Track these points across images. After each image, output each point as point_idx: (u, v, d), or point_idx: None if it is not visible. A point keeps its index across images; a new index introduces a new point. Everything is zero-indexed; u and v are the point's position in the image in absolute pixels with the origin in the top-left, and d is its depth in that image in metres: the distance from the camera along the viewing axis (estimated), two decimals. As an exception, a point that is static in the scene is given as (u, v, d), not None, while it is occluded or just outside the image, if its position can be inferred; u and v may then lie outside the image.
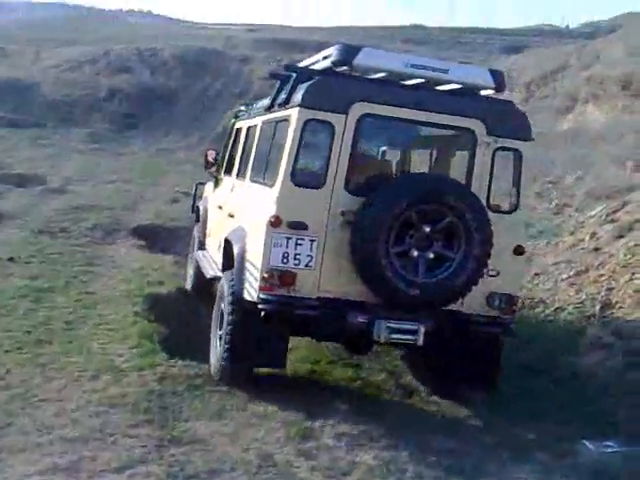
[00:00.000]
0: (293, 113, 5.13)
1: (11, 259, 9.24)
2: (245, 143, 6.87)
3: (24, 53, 31.05)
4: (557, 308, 8.55)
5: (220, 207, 7.13)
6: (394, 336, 5.11)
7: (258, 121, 6.18)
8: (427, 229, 5.01)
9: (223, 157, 7.90)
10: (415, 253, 5.01)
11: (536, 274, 9.59)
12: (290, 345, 5.83)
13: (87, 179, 16.51)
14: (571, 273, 9.02)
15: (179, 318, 7.76)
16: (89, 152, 20.80)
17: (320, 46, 26.11)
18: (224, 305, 5.64)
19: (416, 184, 5.22)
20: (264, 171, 5.69)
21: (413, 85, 5.42)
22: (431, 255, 5.04)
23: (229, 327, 5.44)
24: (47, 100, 25.36)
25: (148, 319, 7.32)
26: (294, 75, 5.29)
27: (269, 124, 5.80)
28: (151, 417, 5.12)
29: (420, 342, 5.11)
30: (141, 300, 7.90)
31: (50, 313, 7.27)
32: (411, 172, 5.98)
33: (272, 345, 5.38)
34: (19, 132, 22.31)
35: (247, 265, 5.43)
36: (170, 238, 11.53)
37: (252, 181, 6.11)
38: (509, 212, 5.45)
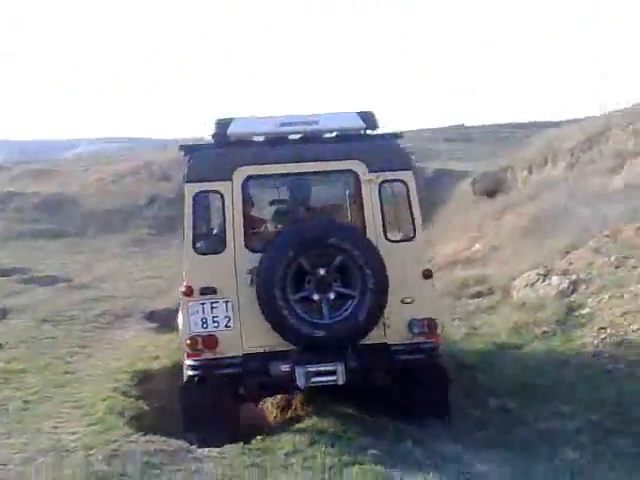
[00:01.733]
0: (185, 188, 5.42)
1: (-4, 345, 8.25)
2: None
3: (73, 172, 31.80)
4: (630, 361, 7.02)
5: None
6: (315, 379, 5.15)
7: (188, 195, 5.59)
8: (322, 272, 5.18)
9: None
10: (316, 296, 5.19)
11: (601, 328, 8.11)
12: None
13: (116, 277, 15.73)
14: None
15: (166, 393, 6.51)
16: (125, 255, 20.25)
17: None
18: None
19: (300, 232, 5.35)
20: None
21: (295, 141, 5.65)
22: (332, 296, 5.21)
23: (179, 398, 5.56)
24: (88, 211, 25.35)
25: (126, 395, 6.12)
26: (188, 151, 5.60)
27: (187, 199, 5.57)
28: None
29: (340, 381, 5.13)
30: (127, 377, 6.74)
31: (12, 393, 6.21)
32: (296, 222, 5.68)
33: (217, 411, 5.30)
34: (58, 242, 22.16)
35: (181, 331, 5.64)
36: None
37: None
38: (407, 240, 5.55)
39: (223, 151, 5.54)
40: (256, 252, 5.30)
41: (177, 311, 10.70)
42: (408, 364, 5.33)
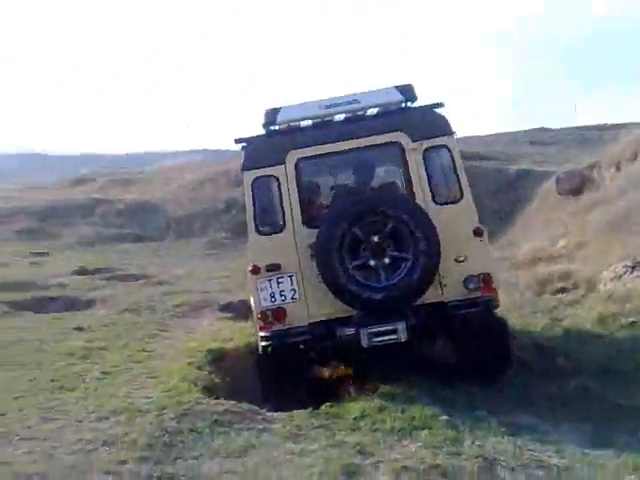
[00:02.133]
0: (244, 177, 5.93)
1: (79, 328, 8.60)
2: None
3: (155, 181, 32.78)
4: None
5: None
6: (377, 339, 5.42)
7: (247, 180, 6.04)
8: (376, 239, 5.44)
9: None
10: (372, 262, 5.47)
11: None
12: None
13: (193, 276, 16.03)
14: None
15: (238, 370, 6.54)
16: (203, 257, 20.66)
17: None
18: None
19: (351, 204, 5.61)
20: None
21: (340, 121, 6.02)
22: (387, 260, 5.47)
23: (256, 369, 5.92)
24: (170, 217, 26.01)
25: (200, 369, 6.16)
26: (244, 143, 6.02)
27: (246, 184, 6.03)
28: (148, 454, 3.87)
29: (402, 338, 5.38)
30: (201, 355, 6.79)
31: (91, 366, 6.38)
32: (343, 198, 5.98)
33: (291, 378, 5.75)
34: (141, 245, 22.81)
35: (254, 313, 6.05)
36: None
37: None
38: (455, 202, 5.76)
39: (274, 138, 5.97)
40: (314, 228, 5.63)
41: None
42: (467, 318, 5.51)
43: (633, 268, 9.94)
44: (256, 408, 4.82)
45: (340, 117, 6.04)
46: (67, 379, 5.86)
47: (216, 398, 5.06)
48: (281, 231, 5.76)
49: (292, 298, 5.66)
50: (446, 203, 5.79)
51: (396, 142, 5.82)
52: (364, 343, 5.41)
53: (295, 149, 5.82)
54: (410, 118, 5.90)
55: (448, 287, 5.60)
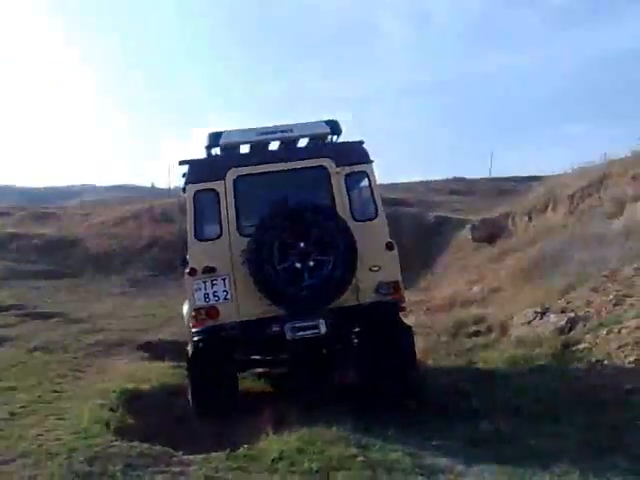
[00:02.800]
0: (187, 189, 6.54)
1: (-14, 368, 8.14)
2: None
3: (75, 216, 31.94)
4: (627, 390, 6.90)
5: None
6: (300, 333, 6.09)
7: (189, 194, 6.67)
8: (302, 245, 6.10)
9: None
10: (298, 265, 6.10)
11: (597, 361, 8.03)
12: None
13: (112, 314, 15.61)
14: (640, 354, 7.44)
15: (154, 411, 6.40)
16: (122, 295, 20.16)
17: None
18: None
19: (281, 213, 6.19)
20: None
21: (276, 147, 6.88)
22: (311, 263, 6.10)
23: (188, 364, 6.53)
24: (89, 253, 25.30)
25: (112, 409, 5.97)
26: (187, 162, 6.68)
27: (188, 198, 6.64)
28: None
29: (322, 331, 6.09)
30: (115, 395, 6.60)
31: (-2, 407, 6.03)
32: (274, 208, 6.44)
33: (220, 369, 6.22)
34: (57, 282, 22.00)
35: (185, 311, 6.99)
36: (177, 351, 10.26)
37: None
38: (371, 219, 6.56)
39: (216, 157, 6.79)
40: (247, 236, 6.27)
41: (172, 341, 10.81)
42: (378, 317, 6.31)
43: (542, 314, 10.35)
44: (171, 451, 4.71)
45: (275, 143, 6.91)
46: (-28, 420, 5.57)
47: (130, 440, 4.93)
48: (218, 238, 6.40)
49: (225, 298, 6.25)
50: (363, 220, 6.52)
51: (323, 166, 6.54)
52: (288, 336, 6.06)
53: (234, 167, 6.50)
54: (335, 147, 6.76)
55: (362, 292, 6.33)
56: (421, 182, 41.82)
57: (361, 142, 6.79)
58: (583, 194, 17.24)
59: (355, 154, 6.64)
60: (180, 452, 4.73)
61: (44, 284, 21.72)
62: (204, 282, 6.26)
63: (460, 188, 37.36)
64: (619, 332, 8.88)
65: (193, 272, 6.30)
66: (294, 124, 6.78)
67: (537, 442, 5.16)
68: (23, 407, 6.13)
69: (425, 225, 23.67)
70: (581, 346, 8.80)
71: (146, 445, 4.77)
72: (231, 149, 6.80)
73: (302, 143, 6.95)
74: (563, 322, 9.76)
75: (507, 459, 4.80)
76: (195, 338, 6.27)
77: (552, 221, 16.79)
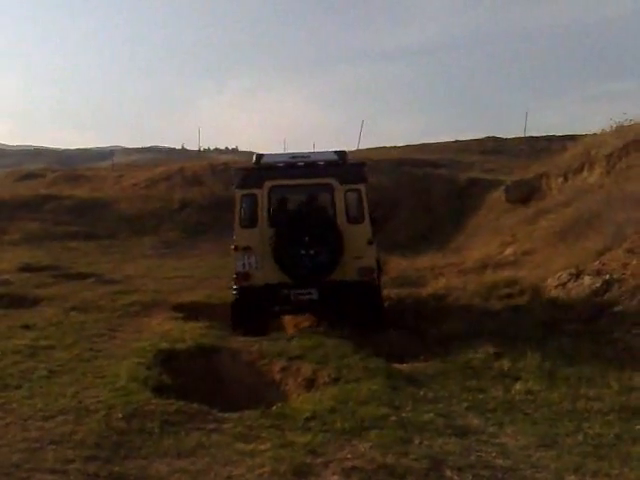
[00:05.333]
0: (236, 192, 9.22)
1: (25, 326, 8.39)
2: None
3: (107, 178, 32.20)
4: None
5: None
6: (300, 297, 8.85)
7: (237, 195, 9.33)
8: (307, 238, 8.64)
9: None
10: (303, 252, 8.65)
11: (634, 324, 7.90)
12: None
13: (146, 275, 15.79)
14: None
15: (189, 369, 6.49)
16: (156, 256, 20.32)
17: (394, 163, 24.68)
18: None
19: (294, 219, 8.93)
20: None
21: (299, 166, 9.20)
22: (312, 252, 8.65)
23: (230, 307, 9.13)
24: (122, 214, 25.56)
25: (149, 368, 6.07)
26: (237, 171, 9.63)
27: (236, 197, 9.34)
28: (96, 453, 3.81)
29: (314, 297, 8.83)
30: (151, 355, 6.70)
31: (37, 365, 6.21)
32: (291, 212, 9.37)
33: (250, 312, 8.93)
34: (90, 243, 22.28)
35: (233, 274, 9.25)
36: (211, 312, 10.39)
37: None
38: (359, 223, 8.96)
39: (260, 171, 9.19)
40: (273, 227, 8.83)
41: (206, 302, 11.06)
42: (357, 288, 8.78)
43: (577, 276, 10.21)
44: (207, 408, 4.79)
45: (300, 164, 9.23)
46: (13, 377, 5.71)
47: (166, 398, 5.01)
48: (254, 227, 8.97)
49: (255, 268, 8.88)
50: (354, 223, 8.95)
51: (329, 183, 9.04)
52: (292, 298, 8.84)
53: (270, 180, 9.03)
54: (340, 170, 9.16)
55: (348, 272, 8.77)
56: (453, 142, 41.25)
57: (362, 164, 9.67)
58: (621, 153, 16.80)
59: (354, 176, 9.12)
60: (215, 410, 4.80)
61: (78, 245, 22.04)
62: (243, 255, 8.88)
63: (493, 147, 36.71)
64: (655, 292, 8.75)
65: (237, 249, 8.94)
66: (313, 152, 10.02)
67: (571, 404, 5.13)
68: (61, 365, 6.24)
69: (457, 187, 23.35)
70: (616, 309, 8.70)
71: (182, 402, 4.85)
72: (269, 166, 9.25)
73: (319, 165, 9.29)
74: (598, 284, 9.61)
75: (540, 421, 4.79)
76: (234, 292, 9.00)
77: (588, 181, 16.42)
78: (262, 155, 9.37)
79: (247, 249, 8.83)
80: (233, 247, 8.91)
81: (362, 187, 9.04)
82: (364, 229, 8.93)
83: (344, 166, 9.30)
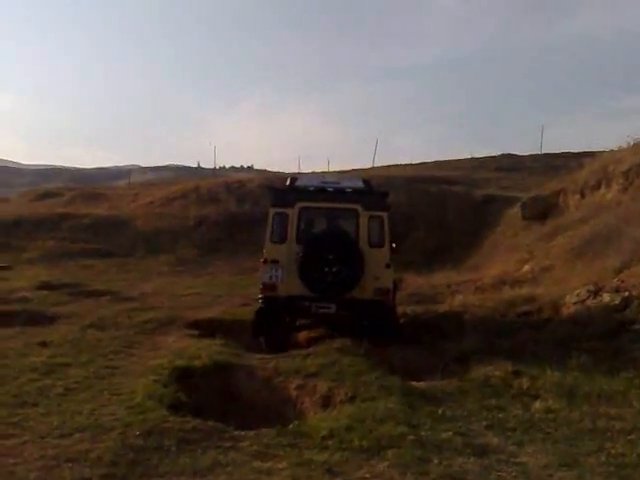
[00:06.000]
0: (270, 210, 9.83)
1: (43, 343, 8.41)
2: None
3: (124, 196, 32.44)
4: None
5: None
6: (320, 310, 9.37)
7: (271, 212, 9.92)
8: (331, 257, 9.19)
9: None
10: (326, 269, 9.20)
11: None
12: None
13: (162, 293, 15.82)
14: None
15: (205, 387, 6.47)
16: (171, 274, 20.35)
17: (409, 180, 24.85)
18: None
19: (322, 237, 9.58)
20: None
21: (329, 191, 9.84)
22: (334, 269, 9.19)
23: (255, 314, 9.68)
24: (138, 232, 25.65)
25: (166, 386, 6.06)
26: (272, 191, 10.54)
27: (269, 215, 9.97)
28: (112, 471, 3.79)
29: (332, 311, 9.34)
30: (167, 372, 6.69)
31: (54, 382, 6.22)
32: (318, 232, 10.01)
33: (272, 320, 9.51)
34: (107, 261, 22.37)
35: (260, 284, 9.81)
36: (226, 329, 10.38)
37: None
38: (380, 247, 9.55)
39: (293, 192, 9.83)
40: (301, 244, 9.41)
41: (221, 319, 11.07)
42: (372, 307, 9.31)
43: (596, 293, 10.11)
44: (223, 426, 4.76)
45: (330, 188, 9.88)
46: (30, 395, 5.70)
47: (183, 416, 4.99)
48: (282, 243, 9.57)
49: (281, 280, 9.44)
50: (375, 247, 9.53)
51: (355, 209, 9.66)
52: (313, 310, 9.38)
53: (300, 201, 9.66)
54: (365, 197, 9.75)
55: (366, 291, 9.32)
56: (468, 159, 41.20)
57: (386, 194, 10.10)
58: (638, 170, 16.66)
59: (377, 204, 9.73)
60: (231, 427, 4.77)
61: (94, 263, 22.13)
62: (270, 268, 9.43)
63: (509, 164, 36.57)
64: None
65: (265, 261, 9.49)
66: (344, 179, 10.84)
67: (591, 423, 5.05)
68: (78, 382, 6.23)
69: (473, 204, 23.25)
70: (636, 326, 8.58)
71: (199, 420, 4.83)
72: (301, 189, 9.88)
73: (347, 191, 9.89)
74: (617, 301, 9.52)
75: (560, 440, 4.72)
76: (260, 301, 9.56)
77: (605, 198, 16.30)
78: (296, 178, 10.20)
79: (275, 262, 9.46)
80: (262, 260, 9.54)
81: (384, 215, 9.69)
82: (383, 253, 9.53)
83: (369, 194, 9.93)
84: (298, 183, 10.00)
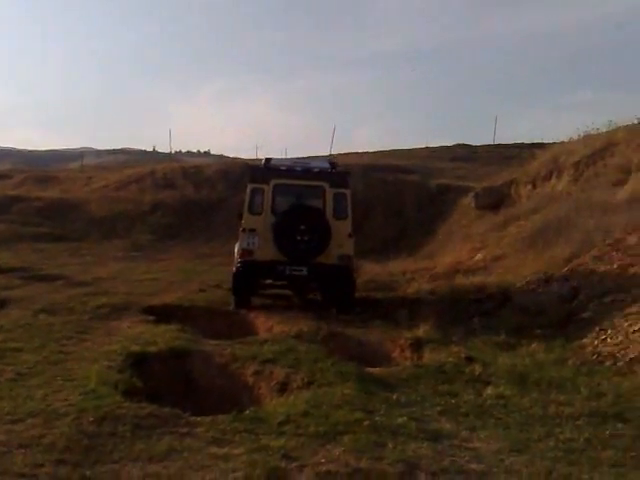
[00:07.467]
0: (248, 185, 11.25)
1: (-8, 328, 8.15)
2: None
3: (77, 180, 31.81)
4: (631, 359, 6.90)
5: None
6: (294, 273, 10.78)
7: (249, 188, 11.29)
8: (302, 227, 10.64)
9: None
10: (298, 238, 10.65)
11: (602, 330, 8.00)
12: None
13: (116, 277, 15.60)
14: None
15: (161, 373, 6.44)
16: (126, 259, 20.08)
17: (366, 169, 25.33)
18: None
19: (294, 209, 10.84)
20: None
21: (299, 170, 11.28)
22: (305, 238, 10.65)
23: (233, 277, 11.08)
24: (92, 216, 25.26)
25: (120, 372, 5.99)
26: (250, 169, 12.43)
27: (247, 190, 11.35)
28: (66, 457, 3.75)
29: (304, 273, 10.79)
30: (122, 358, 6.62)
31: (4, 367, 6.11)
32: (291, 206, 11.02)
33: (250, 282, 11.07)
34: (60, 245, 21.98)
35: (237, 249, 11.43)
36: (182, 315, 10.31)
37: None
38: (343, 219, 10.96)
39: (267, 170, 11.18)
40: (275, 215, 10.85)
41: (177, 305, 10.98)
42: (337, 270, 10.74)
43: (546, 282, 10.36)
44: (179, 412, 4.74)
45: (300, 169, 11.30)
46: (-22, 381, 5.58)
47: (138, 402, 4.95)
48: (260, 214, 10.94)
49: (257, 246, 10.81)
50: (339, 219, 10.91)
51: (322, 186, 11.04)
52: (287, 272, 10.75)
53: (275, 178, 11.03)
54: (331, 176, 11.19)
55: (331, 257, 10.74)
56: (424, 148, 41.56)
57: (347, 173, 11.89)
58: (588, 161, 17.06)
59: (341, 182, 11.17)
60: (187, 414, 4.76)
61: (47, 247, 21.72)
62: (248, 235, 10.83)
63: (463, 154, 37.00)
64: (623, 301, 8.89)
65: (244, 230, 10.92)
66: (314, 161, 13.06)
67: (542, 409, 5.19)
68: (29, 368, 6.10)
69: (427, 193, 23.55)
70: (584, 315, 8.82)
71: (154, 406, 4.80)
72: (275, 168, 11.23)
73: (315, 170, 11.30)
74: (566, 291, 9.78)
75: (512, 425, 4.84)
76: (238, 264, 10.90)
77: (556, 189, 16.68)
78: (270, 159, 11.51)
79: (252, 231, 10.82)
80: (241, 229, 10.92)
81: (347, 192, 11.09)
82: (346, 225, 10.95)
83: (335, 174, 11.31)
84: (272, 163, 11.33)
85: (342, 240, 10.81)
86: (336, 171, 11.44)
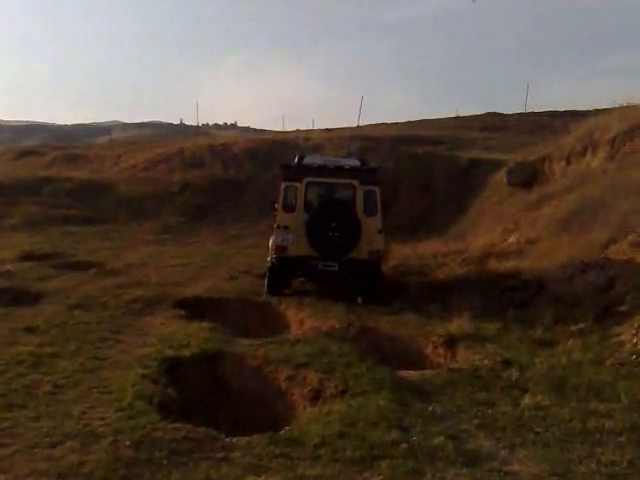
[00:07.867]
0: (282, 184, 11.59)
1: (28, 329, 8.30)
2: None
3: (106, 158, 31.95)
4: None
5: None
6: (325, 268, 11.23)
7: (282, 185, 11.68)
8: (334, 224, 11.06)
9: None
10: (330, 234, 11.08)
11: (641, 325, 7.80)
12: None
13: (147, 264, 15.71)
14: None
15: (194, 381, 6.46)
16: (156, 242, 20.19)
17: (394, 141, 25.03)
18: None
19: (326, 206, 11.34)
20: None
21: (331, 168, 11.65)
22: (337, 234, 11.07)
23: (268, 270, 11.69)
24: (121, 197, 25.35)
25: (155, 381, 6.03)
26: (283, 168, 11.86)
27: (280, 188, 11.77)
28: (105, 489, 3.74)
29: (336, 269, 11.22)
30: (155, 364, 6.65)
31: (42, 377, 6.16)
32: (323, 203, 11.54)
33: (284, 276, 11.65)
34: (91, 228, 22.16)
35: (271, 244, 11.95)
36: (215, 309, 10.35)
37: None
38: (373, 215, 11.34)
39: (301, 168, 11.53)
40: (308, 212, 11.28)
41: (208, 297, 11.03)
42: (367, 265, 11.18)
43: (582, 270, 10.14)
44: (214, 433, 4.74)
45: (331, 166, 11.67)
46: (17, 394, 5.63)
47: (173, 421, 4.95)
48: (293, 211, 11.37)
49: (291, 242, 11.26)
50: (369, 215, 11.30)
51: (352, 184, 11.45)
52: (319, 267, 11.21)
53: (307, 176, 11.43)
54: (361, 173, 11.53)
55: (362, 252, 11.15)
56: (454, 118, 40.93)
57: (377, 169, 11.89)
58: (625, 138, 16.56)
59: (371, 179, 11.46)
60: (222, 434, 4.75)
61: (77, 230, 21.89)
62: (283, 232, 11.28)
63: (494, 124, 36.33)
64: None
65: (279, 227, 11.35)
66: (345, 159, 13.46)
67: (581, 423, 5.09)
68: (66, 378, 6.15)
69: (458, 167, 23.11)
70: (622, 308, 8.63)
71: (189, 426, 4.79)
72: (307, 166, 11.56)
73: (346, 168, 11.60)
74: (602, 281, 9.56)
75: (551, 442, 4.76)
76: (273, 259, 11.45)
77: (591, 166, 16.24)
78: (303, 157, 11.87)
79: (286, 228, 11.28)
80: (276, 226, 11.41)
81: (377, 189, 11.44)
82: (376, 221, 11.32)
83: (365, 171, 11.65)
84: (305, 161, 11.68)
85: (372, 236, 11.19)
86: (366, 168, 11.75)
